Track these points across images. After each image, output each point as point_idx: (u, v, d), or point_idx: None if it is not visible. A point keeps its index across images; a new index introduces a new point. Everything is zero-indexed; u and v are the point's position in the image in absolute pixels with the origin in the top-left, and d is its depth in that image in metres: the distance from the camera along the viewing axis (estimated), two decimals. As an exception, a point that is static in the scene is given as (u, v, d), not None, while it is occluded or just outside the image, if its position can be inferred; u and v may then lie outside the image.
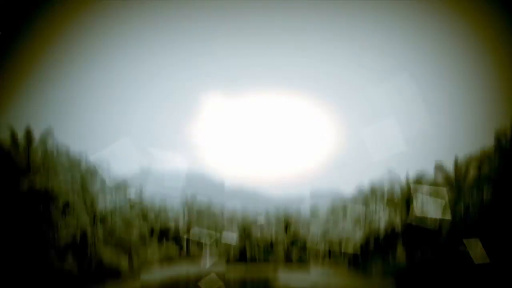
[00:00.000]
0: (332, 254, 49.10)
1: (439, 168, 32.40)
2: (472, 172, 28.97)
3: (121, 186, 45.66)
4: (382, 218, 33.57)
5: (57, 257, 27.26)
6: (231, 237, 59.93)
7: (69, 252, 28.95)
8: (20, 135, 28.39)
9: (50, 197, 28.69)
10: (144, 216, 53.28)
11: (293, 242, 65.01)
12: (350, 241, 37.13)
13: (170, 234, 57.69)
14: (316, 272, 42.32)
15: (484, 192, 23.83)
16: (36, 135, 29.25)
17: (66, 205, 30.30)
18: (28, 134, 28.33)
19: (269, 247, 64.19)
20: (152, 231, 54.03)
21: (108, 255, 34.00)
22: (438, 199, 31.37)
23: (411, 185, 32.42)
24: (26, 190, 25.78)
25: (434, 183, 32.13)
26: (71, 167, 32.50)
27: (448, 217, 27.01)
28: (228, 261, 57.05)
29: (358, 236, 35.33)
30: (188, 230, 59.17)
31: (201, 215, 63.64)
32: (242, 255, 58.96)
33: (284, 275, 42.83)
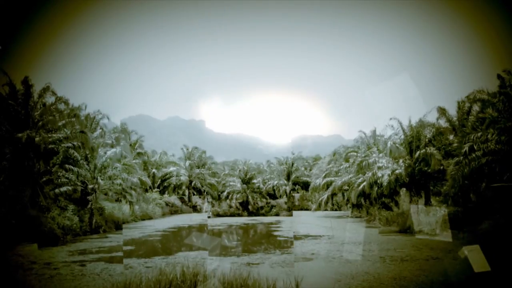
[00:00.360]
0: (334, 201, 49.30)
1: (441, 111, 31.89)
2: (476, 114, 28.42)
3: (122, 136, 45.37)
4: (385, 163, 33.28)
5: (58, 212, 27.08)
6: (233, 185, 60.25)
7: (69, 206, 28.83)
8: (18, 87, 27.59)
9: (49, 151, 28.31)
10: (145, 165, 53.36)
11: (295, 189, 65.57)
12: (352, 187, 36.95)
13: (171, 184, 58.03)
14: (319, 218, 42.58)
15: (488, 133, 23.28)
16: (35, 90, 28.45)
17: (66, 158, 29.99)
18: (27, 86, 27.51)
19: (272, 194, 64.72)
20: (153, 181, 54.26)
21: (109, 206, 34.05)
22: (440, 141, 31.03)
23: (414, 129, 31.98)
24: (24, 143, 25.26)
25: (436, 126, 31.73)
26: (70, 118, 31.92)
27: (452, 159, 26.67)
28: (230, 210, 57.54)
29: (360, 182, 35.08)
30: (190, 180, 59.48)
31: (203, 165, 63.80)
32: (244, 204, 59.42)
33: (286, 221, 43.06)
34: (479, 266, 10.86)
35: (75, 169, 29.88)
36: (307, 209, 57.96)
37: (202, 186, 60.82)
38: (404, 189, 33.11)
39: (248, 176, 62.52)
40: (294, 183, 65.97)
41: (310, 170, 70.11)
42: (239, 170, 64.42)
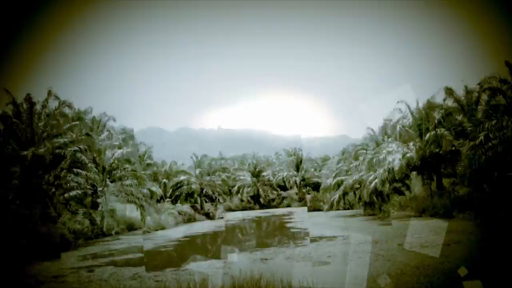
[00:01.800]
0: (346, 200, 48.23)
1: (448, 91, 31.07)
2: (484, 102, 27.64)
3: (129, 139, 44.89)
4: (395, 147, 32.46)
5: (69, 217, 26.71)
6: (243, 179, 59.87)
7: (80, 212, 28.45)
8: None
9: (56, 156, 27.89)
10: (155, 176, 52.68)
11: (305, 179, 64.96)
12: (364, 185, 35.83)
13: (183, 193, 57.00)
14: (332, 218, 41.82)
15: (503, 120, 22.53)
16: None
17: (73, 162, 29.64)
18: (29, 101, 26.92)
19: (282, 185, 64.28)
20: (165, 191, 53.31)
21: (121, 208, 33.71)
22: (450, 121, 30.26)
23: (422, 111, 31.25)
24: (30, 160, 24.69)
25: (445, 107, 31.00)
26: (75, 121, 31.55)
27: (464, 139, 26.04)
28: (242, 204, 57.12)
29: (372, 179, 34.01)
30: (201, 188, 58.37)
31: (213, 172, 62.75)
32: (255, 197, 59.01)
33: (298, 212, 42.53)
34: None
35: (83, 172, 29.58)
36: (319, 210, 57.24)
37: (214, 193, 59.98)
38: (415, 172, 32.44)
39: (257, 170, 62.08)
40: (305, 185, 65.43)
41: (320, 171, 69.37)
42: (249, 164, 64.02)
